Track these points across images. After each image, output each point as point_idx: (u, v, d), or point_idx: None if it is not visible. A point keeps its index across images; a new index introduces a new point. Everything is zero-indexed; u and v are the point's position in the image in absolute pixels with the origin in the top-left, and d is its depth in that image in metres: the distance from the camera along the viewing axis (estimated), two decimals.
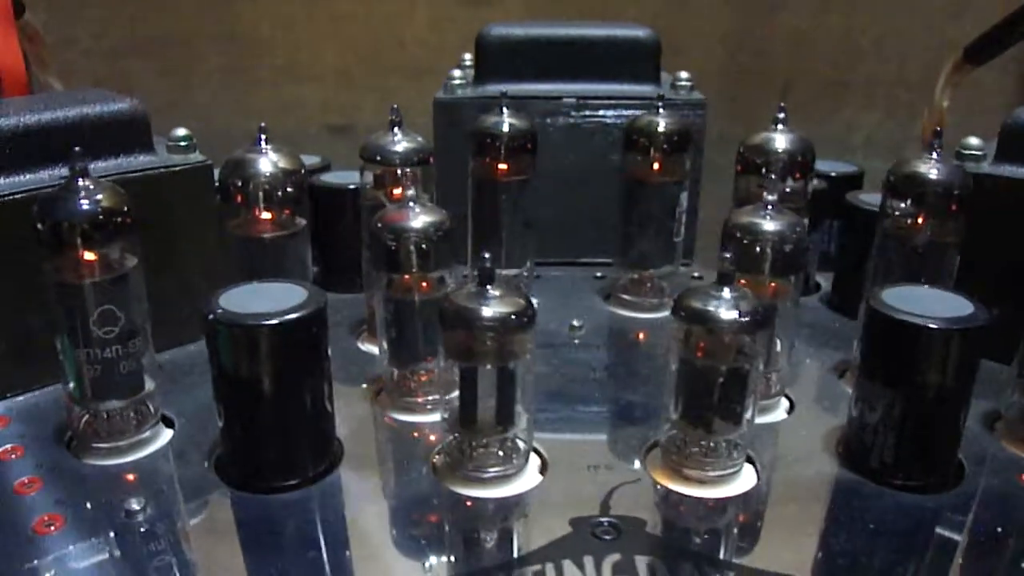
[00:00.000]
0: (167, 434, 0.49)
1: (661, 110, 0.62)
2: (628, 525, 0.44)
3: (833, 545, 0.44)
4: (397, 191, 0.56)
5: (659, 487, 0.47)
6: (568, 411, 0.55)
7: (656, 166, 0.62)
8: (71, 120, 0.52)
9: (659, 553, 0.42)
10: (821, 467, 0.50)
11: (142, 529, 0.42)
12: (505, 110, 0.60)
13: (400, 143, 0.55)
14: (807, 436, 0.52)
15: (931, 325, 0.45)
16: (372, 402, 0.54)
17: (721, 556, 0.43)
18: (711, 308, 0.45)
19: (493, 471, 0.47)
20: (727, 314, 0.45)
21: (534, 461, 0.49)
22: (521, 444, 0.48)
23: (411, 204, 0.49)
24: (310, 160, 0.68)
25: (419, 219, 0.50)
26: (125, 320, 0.45)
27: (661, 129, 0.61)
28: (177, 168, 0.54)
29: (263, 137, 0.50)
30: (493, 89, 0.68)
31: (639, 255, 0.64)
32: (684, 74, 0.70)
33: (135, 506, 0.43)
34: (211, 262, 0.55)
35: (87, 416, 0.47)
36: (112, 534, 0.42)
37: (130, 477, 0.46)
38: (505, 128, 0.60)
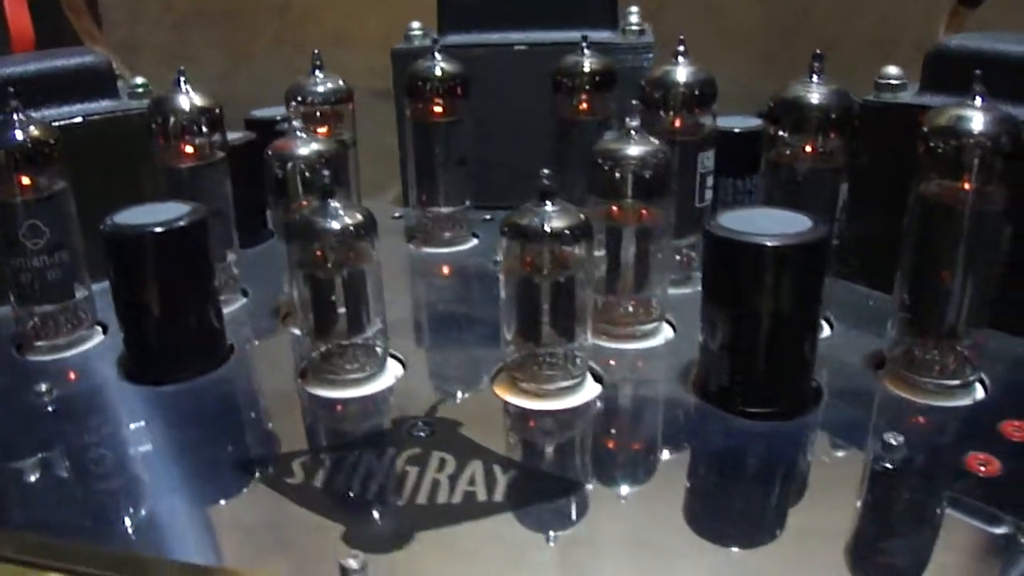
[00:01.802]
0: (99, 338, 0.58)
1: (585, 50, 0.63)
2: (443, 427, 0.47)
3: (643, 464, 0.45)
4: (322, 129, 0.61)
5: (496, 399, 0.50)
6: (453, 332, 0.58)
7: (583, 106, 0.63)
8: (47, 70, 0.61)
9: (457, 451, 0.45)
10: (670, 390, 0.51)
11: (49, 408, 0.50)
12: (437, 55, 0.64)
13: (319, 84, 0.60)
14: (675, 362, 0.53)
15: (753, 241, 0.45)
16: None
17: (517, 460, 0.45)
18: (533, 222, 0.47)
19: (353, 375, 0.52)
20: (547, 227, 0.47)
21: (394, 367, 0.53)
22: (378, 350, 0.52)
23: (298, 133, 0.55)
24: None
25: (306, 147, 0.55)
26: (51, 234, 0.54)
27: (586, 69, 0.63)
28: (134, 111, 0.62)
29: (182, 79, 0.56)
30: (452, 40, 0.72)
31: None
32: (634, 18, 0.70)
33: (43, 387, 0.51)
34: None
35: (32, 321, 0.56)
36: (22, 410, 0.50)
37: (59, 369, 0.55)
38: (437, 72, 0.64)
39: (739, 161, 0.65)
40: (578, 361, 0.50)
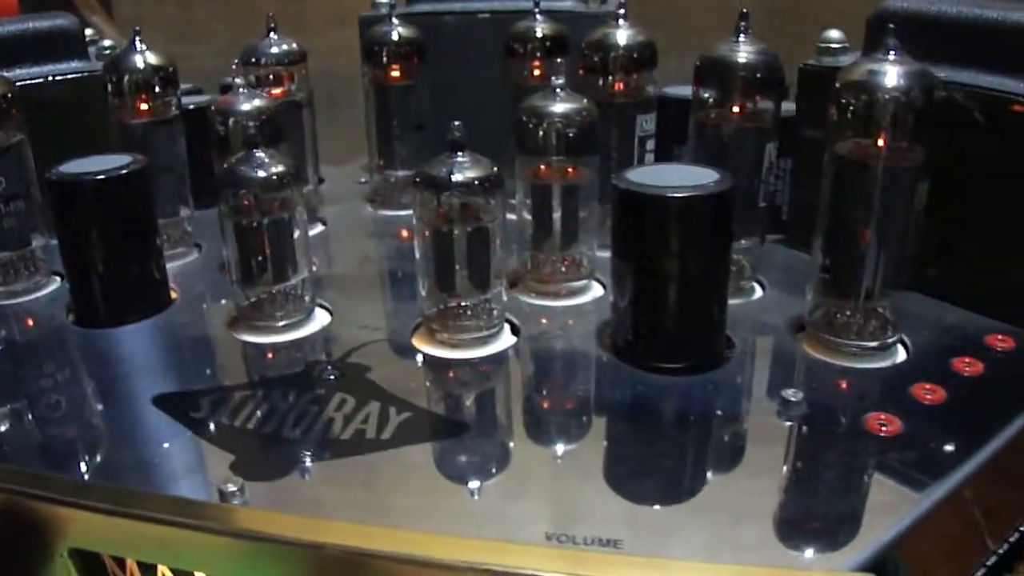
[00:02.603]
0: (55, 285, 0.60)
1: (538, 16, 0.64)
2: (353, 372, 0.48)
3: (536, 413, 0.46)
4: (276, 90, 0.63)
5: (412, 347, 0.51)
6: (390, 287, 0.59)
7: (536, 72, 0.64)
8: (19, 32, 0.64)
9: (359, 393, 0.46)
10: (583, 345, 0.51)
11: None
12: (394, 21, 0.65)
13: (273, 46, 0.62)
14: (599, 319, 0.53)
15: (652, 193, 0.45)
16: None
17: (414, 403, 0.46)
18: (442, 173, 0.48)
19: (282, 322, 0.53)
20: (456, 177, 0.48)
21: (322, 316, 0.54)
22: (306, 299, 0.54)
23: (241, 91, 0.56)
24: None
25: (248, 103, 0.56)
26: (7, 184, 0.56)
27: (537, 35, 0.63)
28: (98, 72, 0.65)
29: (137, 39, 0.59)
30: (420, 7, 0.73)
31: None
32: None
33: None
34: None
35: None
36: None
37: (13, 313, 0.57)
38: (394, 37, 0.65)
39: None
40: (494, 312, 0.51)
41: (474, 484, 0.40)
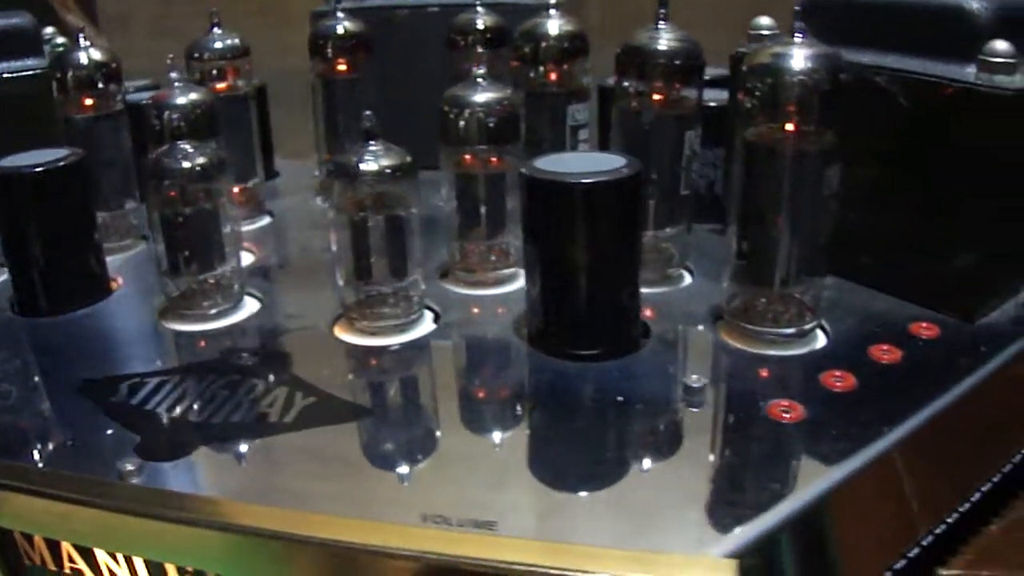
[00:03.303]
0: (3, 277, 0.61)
1: (479, 8, 0.64)
2: (268, 358, 0.49)
3: (446, 400, 0.46)
4: (220, 85, 0.64)
5: (332, 336, 0.51)
6: (324, 277, 0.59)
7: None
8: None
9: (270, 379, 0.47)
10: (500, 332, 0.51)
11: None
12: (339, 14, 0.66)
13: (216, 41, 0.63)
14: (521, 307, 0.53)
15: (553, 179, 0.45)
16: None
17: (321, 388, 0.46)
18: (354, 162, 0.48)
19: (212, 311, 0.54)
20: (369, 166, 0.48)
21: (252, 305, 0.55)
22: (236, 288, 0.54)
23: (176, 85, 0.57)
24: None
25: (182, 97, 0.57)
26: None
27: (479, 27, 0.64)
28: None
29: (81, 36, 0.60)
30: (372, 2, 0.74)
31: None
32: None
33: None
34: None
35: None
36: None
37: None
38: (339, 31, 0.66)
39: None
40: (413, 299, 0.51)
41: (367, 467, 0.40)
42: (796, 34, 0.45)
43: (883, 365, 0.46)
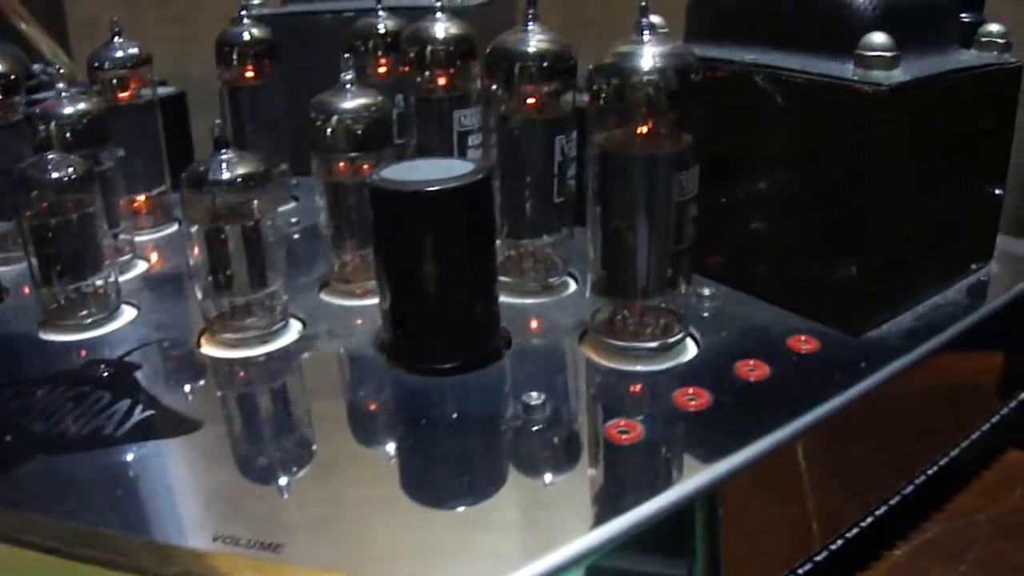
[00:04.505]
0: None
1: (380, 13, 0.62)
2: (123, 370, 0.48)
3: (285, 413, 0.45)
4: (124, 93, 0.63)
5: (192, 346, 0.50)
6: None
7: (382, 70, 0.63)
8: None
9: (118, 390, 0.46)
10: (359, 344, 0.49)
11: None
12: (245, 21, 0.65)
13: (116, 50, 0.63)
14: None
15: (390, 188, 0.43)
16: None
17: (163, 401, 0.45)
18: (204, 171, 0.47)
19: (87, 321, 0.53)
20: (221, 175, 0.47)
21: (129, 314, 0.54)
22: (112, 296, 0.54)
23: (64, 93, 0.57)
24: None
25: (69, 106, 0.57)
26: None
27: (380, 31, 0.62)
28: None
29: None
30: (292, 9, 0.73)
31: None
32: None
33: None
34: None
35: None
36: None
37: None
38: (245, 37, 0.65)
39: None
40: (276, 309, 0.50)
41: (183, 483, 0.39)
42: (642, 32, 0.42)
43: (745, 382, 0.44)
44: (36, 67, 0.88)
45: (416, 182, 0.43)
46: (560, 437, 0.41)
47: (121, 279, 0.59)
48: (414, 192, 0.43)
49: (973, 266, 0.55)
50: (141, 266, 0.61)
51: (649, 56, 0.42)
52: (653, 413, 0.42)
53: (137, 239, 0.64)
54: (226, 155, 0.47)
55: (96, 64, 0.63)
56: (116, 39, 0.63)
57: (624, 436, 0.40)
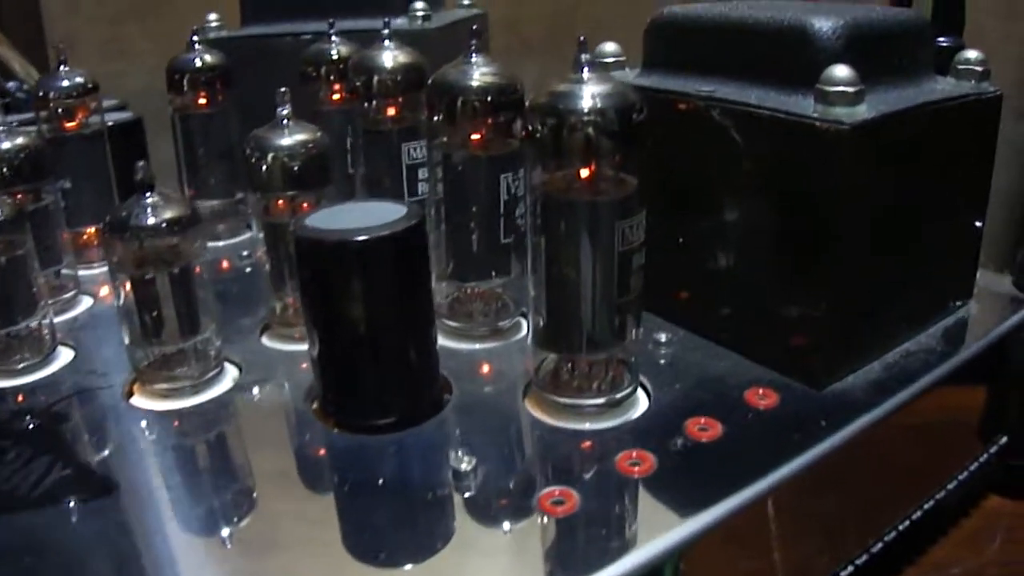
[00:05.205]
0: None
1: (333, 38, 0.60)
2: (50, 422, 0.46)
3: (200, 475, 0.42)
4: (71, 123, 0.61)
5: (124, 398, 0.48)
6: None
7: (336, 96, 0.60)
8: None
9: (40, 445, 0.43)
10: (290, 395, 0.47)
11: None
12: (197, 47, 0.63)
13: (62, 79, 0.60)
14: None
15: (309, 236, 0.41)
16: None
17: (82, 459, 0.43)
18: (125, 216, 0.45)
19: (19, 366, 0.51)
20: (143, 220, 0.45)
21: (66, 358, 0.52)
22: (47, 339, 0.51)
23: (0, 127, 0.55)
24: None
25: (5, 141, 0.55)
26: None
27: (333, 57, 0.60)
28: None
29: None
30: (250, 31, 0.70)
31: None
32: (420, 4, 0.66)
33: None
34: None
35: None
36: None
37: None
38: (197, 63, 0.63)
39: None
40: (210, 356, 0.47)
41: (94, 550, 0.37)
42: (581, 68, 0.39)
43: (696, 443, 0.41)
44: (11, 85, 0.87)
45: (341, 231, 0.41)
46: (489, 508, 0.38)
47: (62, 318, 0.57)
48: (339, 242, 0.40)
49: (953, 303, 0.52)
50: (85, 302, 0.59)
51: (588, 95, 0.39)
52: (592, 480, 0.39)
53: (85, 272, 0.62)
54: (151, 198, 0.45)
55: (41, 93, 0.60)
56: (62, 67, 0.61)
57: (559, 508, 0.37)
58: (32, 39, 1.06)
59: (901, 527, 0.47)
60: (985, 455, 0.52)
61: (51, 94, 0.60)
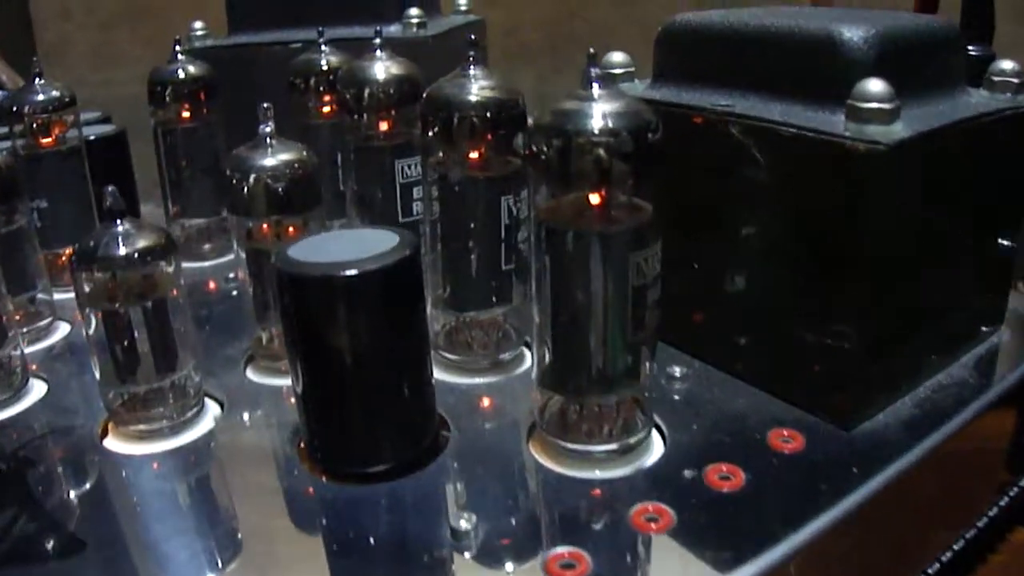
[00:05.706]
0: None
1: (324, 47, 0.56)
2: (18, 466, 0.42)
3: (179, 532, 0.38)
4: (46, 139, 0.58)
5: (96, 440, 0.44)
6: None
7: (326, 109, 0.57)
8: None
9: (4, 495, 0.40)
10: (275, 436, 0.43)
11: None
12: (180, 57, 0.59)
13: (38, 93, 0.57)
14: None
15: (291, 271, 0.37)
16: None
17: (52, 511, 0.39)
18: (96, 246, 0.41)
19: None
20: (114, 251, 0.41)
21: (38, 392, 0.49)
22: (17, 369, 0.48)
23: None
24: None
25: None
26: None
27: (323, 68, 0.56)
28: None
29: None
30: (237, 40, 0.67)
31: None
32: (415, 11, 0.62)
33: None
34: None
35: None
36: None
37: None
38: (180, 75, 0.59)
39: None
40: (190, 393, 0.44)
41: None
42: (591, 84, 0.36)
43: (717, 494, 0.37)
44: None
45: (327, 264, 0.37)
46: (492, 568, 0.35)
47: (37, 347, 0.54)
48: (324, 277, 0.37)
49: (983, 329, 0.48)
50: (62, 329, 0.55)
51: (598, 114, 0.35)
52: (605, 538, 0.35)
53: (62, 296, 0.58)
54: (121, 227, 0.41)
55: (15, 108, 0.57)
56: (37, 80, 0.57)
57: (568, 572, 0.34)
58: (22, 46, 1.03)
59: (931, 570, 0.43)
60: (1015, 489, 0.48)
61: (25, 108, 0.57)
